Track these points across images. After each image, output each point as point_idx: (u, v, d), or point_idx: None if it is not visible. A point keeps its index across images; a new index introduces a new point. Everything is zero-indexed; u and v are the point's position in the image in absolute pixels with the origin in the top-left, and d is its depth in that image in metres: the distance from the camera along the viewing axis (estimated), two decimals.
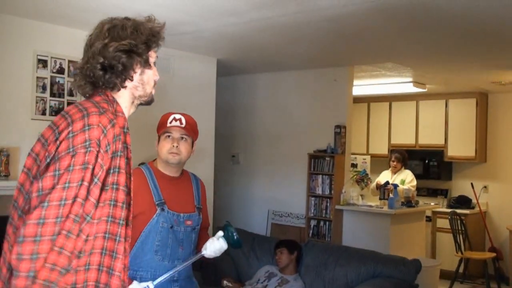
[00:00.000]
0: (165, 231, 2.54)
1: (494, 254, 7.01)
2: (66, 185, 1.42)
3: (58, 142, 1.48)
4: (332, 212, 6.04)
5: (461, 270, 6.96)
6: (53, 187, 1.41)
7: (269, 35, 4.73)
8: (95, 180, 1.47)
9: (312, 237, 6.13)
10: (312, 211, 6.20)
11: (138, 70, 1.66)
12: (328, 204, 6.09)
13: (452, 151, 7.65)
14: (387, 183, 6.44)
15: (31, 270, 1.36)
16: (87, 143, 1.46)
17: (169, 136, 2.61)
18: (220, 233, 2.50)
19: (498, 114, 7.65)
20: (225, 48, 5.44)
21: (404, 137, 8.02)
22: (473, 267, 7.10)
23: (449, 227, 6.99)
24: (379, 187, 6.67)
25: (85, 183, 1.44)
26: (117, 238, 1.55)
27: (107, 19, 1.68)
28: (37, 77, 4.42)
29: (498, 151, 7.61)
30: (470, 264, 7.06)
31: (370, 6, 3.74)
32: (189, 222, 2.62)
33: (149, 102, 1.76)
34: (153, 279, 2.38)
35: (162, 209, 2.55)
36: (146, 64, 1.67)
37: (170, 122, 2.62)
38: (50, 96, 4.48)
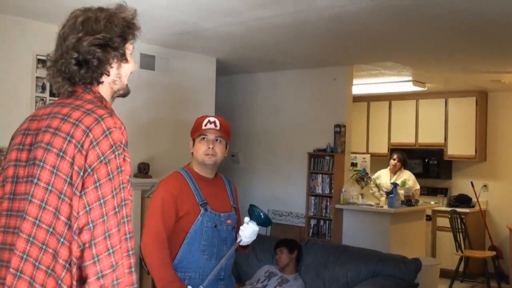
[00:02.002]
0: (210, 231, 2.64)
1: (494, 253, 7.01)
2: (114, 193, 1.43)
3: (84, 153, 1.43)
4: (332, 211, 6.04)
5: (461, 268, 6.97)
6: (99, 200, 1.42)
7: (268, 35, 4.72)
8: (130, 179, 1.52)
9: (312, 236, 6.13)
10: (312, 210, 6.20)
11: (114, 65, 1.60)
12: (328, 203, 6.09)
13: (452, 150, 7.65)
14: (395, 185, 6.37)
15: (114, 279, 1.41)
16: (114, 147, 1.46)
17: (204, 138, 2.71)
18: (247, 218, 2.62)
19: (498, 113, 7.65)
20: (224, 48, 5.44)
21: (404, 136, 8.03)
22: (473, 266, 7.11)
23: (449, 226, 7.00)
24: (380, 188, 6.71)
25: (125, 185, 1.47)
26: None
27: (80, 10, 1.62)
28: (37, 77, 4.42)
29: (498, 149, 7.61)
30: (470, 263, 7.06)
31: (369, 5, 3.73)
32: (229, 221, 2.73)
33: (125, 94, 1.69)
34: (202, 279, 2.52)
35: (206, 209, 2.65)
36: (122, 57, 1.61)
37: (205, 125, 2.70)
38: (50, 96, 4.48)
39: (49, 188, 1.44)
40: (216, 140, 2.71)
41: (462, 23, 4.17)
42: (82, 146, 1.44)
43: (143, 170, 5.05)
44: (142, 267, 4.92)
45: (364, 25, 4.31)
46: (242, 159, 7.03)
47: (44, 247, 1.43)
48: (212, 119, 2.72)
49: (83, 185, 1.42)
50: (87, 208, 1.41)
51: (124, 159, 1.48)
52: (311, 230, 6.20)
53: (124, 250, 1.44)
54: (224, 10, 3.98)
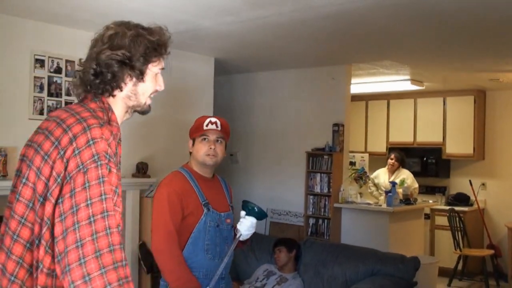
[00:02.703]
0: (213, 230, 2.65)
1: (492, 251, 7.02)
2: (89, 202, 1.40)
3: (65, 160, 1.44)
4: (330, 210, 6.04)
5: (459, 267, 6.98)
6: (72, 208, 1.39)
7: (266, 34, 4.72)
8: (117, 190, 1.49)
9: (311, 235, 6.14)
10: (311, 209, 6.21)
11: (129, 82, 1.63)
12: (327, 202, 6.09)
13: (450, 149, 7.65)
14: (394, 183, 6.36)
15: None
16: (96, 157, 1.44)
17: (205, 138, 2.71)
18: (243, 213, 2.63)
19: (496, 112, 7.66)
20: (222, 47, 5.43)
21: (402, 135, 8.03)
22: (471, 264, 7.12)
23: (447, 224, 7.01)
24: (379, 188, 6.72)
25: (109, 196, 1.43)
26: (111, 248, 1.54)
27: (116, 23, 1.66)
28: (35, 77, 4.41)
29: (496, 148, 7.62)
30: (468, 261, 7.07)
31: (367, 3, 3.74)
32: (228, 220, 2.75)
33: (144, 112, 1.73)
34: (205, 278, 2.55)
35: (208, 209, 2.66)
36: (139, 77, 1.64)
37: (207, 125, 2.71)
38: (48, 95, 4.48)
39: (34, 188, 1.49)
40: (217, 140, 2.72)
41: (459, 21, 4.17)
42: (64, 153, 1.45)
43: (141, 169, 5.04)
44: (140, 266, 4.93)
45: (362, 24, 4.31)
46: (240, 158, 7.03)
47: (27, 245, 1.49)
48: (213, 119, 2.73)
49: (60, 192, 1.42)
50: (62, 217, 1.39)
51: (109, 170, 1.46)
52: (309, 229, 6.20)
53: (108, 262, 1.38)
54: (222, 9, 3.98)
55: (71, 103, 4.74)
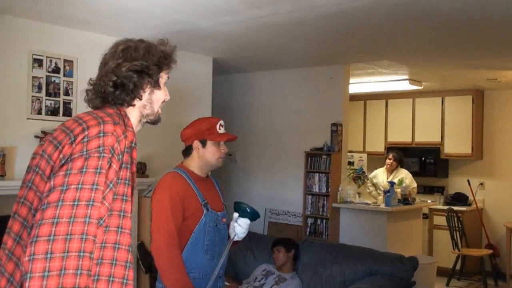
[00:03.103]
0: (212, 230, 2.65)
1: (490, 251, 7.03)
2: (79, 186, 1.43)
3: (74, 145, 1.50)
4: (329, 210, 6.04)
5: (458, 267, 6.99)
6: (62, 185, 1.42)
7: (265, 34, 4.72)
8: (110, 185, 1.50)
9: (309, 235, 6.14)
10: (309, 209, 6.21)
11: (147, 90, 1.73)
12: (325, 202, 6.10)
13: (449, 148, 7.66)
14: (392, 183, 6.35)
15: (45, 270, 1.35)
16: (101, 148, 1.49)
17: (219, 143, 2.72)
18: (236, 214, 2.63)
19: (494, 111, 7.67)
20: (221, 47, 5.43)
21: (401, 135, 8.04)
22: (470, 264, 7.13)
23: (446, 224, 7.02)
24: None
25: (100, 187, 1.46)
26: (129, 248, 1.55)
27: (123, 40, 1.75)
28: (33, 77, 4.40)
29: (494, 148, 7.63)
30: (467, 261, 7.08)
31: (366, 3, 3.74)
32: (224, 220, 2.74)
33: (155, 121, 1.84)
34: (204, 279, 2.55)
35: (207, 209, 2.65)
36: (156, 84, 1.75)
37: (220, 129, 2.72)
38: (46, 95, 4.47)
39: (42, 175, 1.54)
40: (224, 142, 2.76)
41: (458, 21, 4.18)
42: (75, 139, 1.51)
43: (140, 169, 5.04)
44: (139, 267, 4.92)
45: (361, 23, 4.32)
46: (239, 158, 7.03)
47: (17, 217, 1.55)
48: (222, 122, 2.75)
49: (59, 170, 1.47)
50: (51, 191, 1.43)
51: (109, 165, 1.49)
52: (308, 229, 6.20)
53: (75, 249, 1.38)
54: (221, 9, 3.98)
55: (69, 102, 4.75)
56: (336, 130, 6.07)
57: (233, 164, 7.06)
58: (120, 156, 1.54)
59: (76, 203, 1.41)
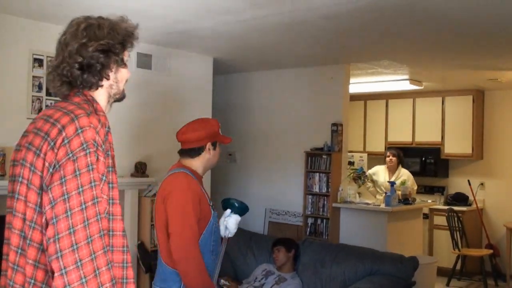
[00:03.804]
0: (217, 230, 2.69)
1: (491, 251, 7.03)
2: (80, 189, 1.44)
3: (55, 150, 1.47)
4: (329, 210, 6.04)
5: (458, 267, 6.99)
6: (63, 195, 1.42)
7: (265, 34, 4.72)
8: (103, 178, 1.52)
9: (309, 235, 6.13)
10: (309, 209, 6.21)
11: (114, 69, 1.68)
12: (325, 202, 6.09)
13: (449, 148, 7.66)
14: (393, 183, 6.33)
15: (82, 278, 1.39)
16: (84, 145, 1.47)
17: (220, 144, 2.78)
18: (228, 211, 2.71)
19: (495, 111, 7.67)
20: (221, 47, 5.43)
21: (401, 135, 8.04)
22: (470, 264, 7.13)
23: (446, 224, 7.02)
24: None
25: (97, 183, 1.48)
26: (123, 233, 1.59)
27: (81, 18, 1.69)
28: (33, 76, 4.41)
29: (494, 148, 7.63)
30: (467, 261, 7.08)
31: (366, 3, 3.73)
32: (217, 219, 2.77)
33: (121, 98, 1.77)
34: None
35: (213, 210, 2.69)
36: (121, 63, 1.70)
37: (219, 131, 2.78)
38: (46, 95, 4.47)
39: (29, 185, 1.51)
40: None
41: (458, 21, 4.17)
42: (55, 143, 1.49)
43: (140, 169, 5.04)
44: (139, 266, 4.92)
45: (361, 23, 4.31)
46: (239, 158, 7.03)
47: (12, 228, 1.53)
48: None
49: (51, 180, 1.46)
50: (52, 203, 1.43)
51: (97, 158, 1.50)
52: (308, 229, 6.20)
53: (99, 248, 1.43)
54: (221, 9, 3.98)
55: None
56: (336, 130, 6.07)
57: (233, 164, 7.06)
58: (103, 146, 1.53)
59: (84, 206, 1.43)
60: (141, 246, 4.95)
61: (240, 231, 5.34)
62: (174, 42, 5.17)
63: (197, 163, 2.71)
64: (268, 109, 6.81)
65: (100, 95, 1.68)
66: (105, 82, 1.67)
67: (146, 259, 4.86)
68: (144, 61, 5.22)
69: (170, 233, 2.52)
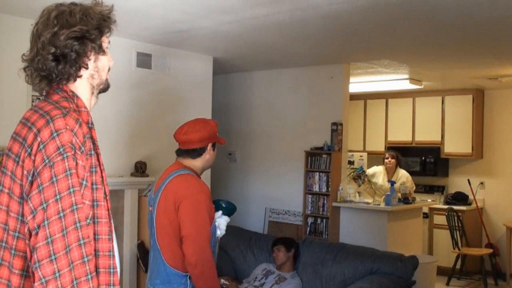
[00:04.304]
0: (215, 231, 2.69)
1: (491, 250, 7.03)
2: (57, 197, 1.37)
3: (32, 157, 1.41)
4: (329, 210, 6.04)
5: (458, 266, 7.00)
6: (41, 204, 1.36)
7: (265, 33, 4.72)
8: (84, 182, 1.44)
9: (309, 234, 6.14)
10: (309, 208, 6.21)
11: (92, 57, 1.58)
12: (325, 202, 6.09)
13: (449, 148, 7.66)
14: (393, 182, 6.33)
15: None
16: (61, 149, 1.40)
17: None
18: (219, 212, 2.70)
19: (495, 111, 7.67)
20: (221, 46, 5.43)
21: (401, 134, 8.04)
22: (470, 263, 7.13)
23: (446, 223, 7.02)
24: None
25: (77, 188, 1.40)
26: (108, 237, 1.52)
27: (53, 6, 1.59)
28: None
29: (494, 147, 7.63)
30: (467, 260, 7.09)
31: (365, 2, 3.73)
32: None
33: (105, 89, 1.67)
34: None
35: (214, 211, 2.70)
36: (100, 50, 1.59)
37: None
38: None
39: (11, 194, 1.47)
40: None
41: (458, 20, 4.17)
42: (31, 150, 1.43)
43: (140, 169, 5.04)
44: (139, 265, 4.92)
45: (361, 22, 4.31)
46: (239, 157, 7.03)
47: (13, 252, 1.46)
48: None
49: (30, 189, 1.40)
50: (34, 213, 1.37)
51: (76, 162, 1.42)
52: (308, 228, 6.20)
53: (78, 257, 1.37)
54: (221, 8, 3.98)
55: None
56: (336, 129, 6.07)
57: (232, 164, 7.06)
58: (83, 148, 1.45)
59: (61, 214, 1.36)
60: (141, 246, 4.95)
61: (240, 230, 5.37)
62: (174, 41, 5.17)
63: (198, 164, 2.70)
64: (268, 108, 6.80)
65: (81, 88, 1.59)
66: (84, 72, 1.57)
67: (146, 259, 4.86)
68: (144, 61, 5.22)
69: (185, 236, 2.50)
